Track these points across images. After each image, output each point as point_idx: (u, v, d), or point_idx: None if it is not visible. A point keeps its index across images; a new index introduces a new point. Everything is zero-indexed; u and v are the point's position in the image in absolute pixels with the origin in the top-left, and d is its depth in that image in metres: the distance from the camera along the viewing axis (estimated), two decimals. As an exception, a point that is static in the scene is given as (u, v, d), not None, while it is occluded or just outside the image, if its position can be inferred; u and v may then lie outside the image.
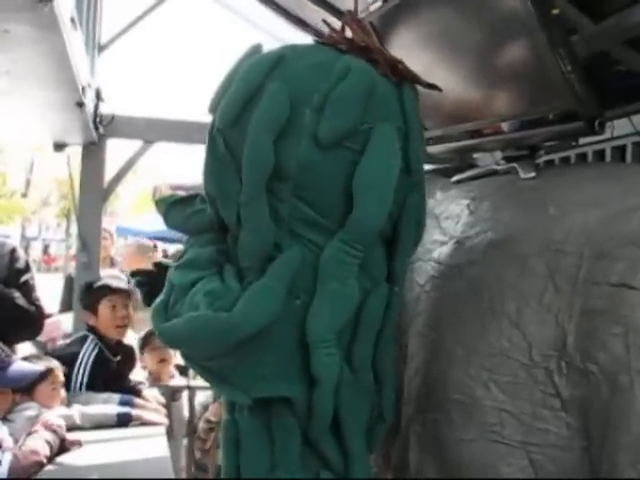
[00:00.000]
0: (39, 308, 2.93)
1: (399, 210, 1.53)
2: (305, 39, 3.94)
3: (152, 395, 3.15)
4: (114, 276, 3.92)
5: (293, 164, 1.41)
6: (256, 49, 1.55)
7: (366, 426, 1.58)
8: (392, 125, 1.48)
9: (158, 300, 1.55)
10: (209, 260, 1.53)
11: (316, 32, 3.81)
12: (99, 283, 3.32)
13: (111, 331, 3.15)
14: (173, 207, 1.69)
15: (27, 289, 2.89)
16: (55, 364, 2.76)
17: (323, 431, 1.51)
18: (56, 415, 2.48)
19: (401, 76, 1.56)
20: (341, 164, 1.44)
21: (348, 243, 1.43)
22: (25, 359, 2.86)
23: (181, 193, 1.74)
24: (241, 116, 1.43)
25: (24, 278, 2.91)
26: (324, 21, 1.73)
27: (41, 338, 3.42)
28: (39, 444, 2.25)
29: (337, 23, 1.68)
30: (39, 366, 2.67)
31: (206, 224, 1.59)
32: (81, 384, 2.97)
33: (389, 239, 1.56)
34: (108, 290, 3.22)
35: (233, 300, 1.41)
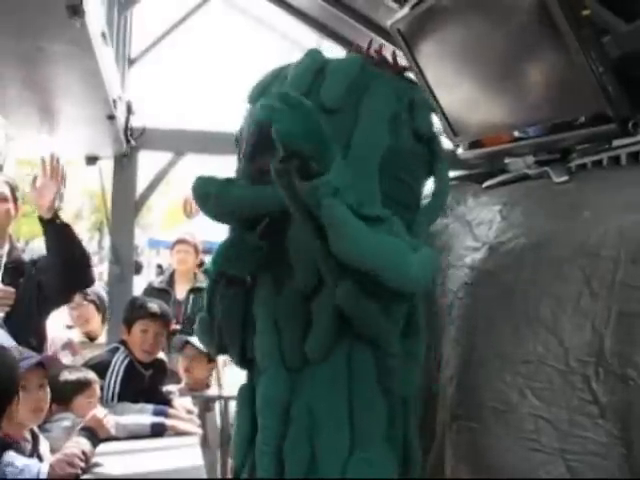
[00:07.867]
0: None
1: None
2: (335, 50, 3.93)
3: (181, 405, 3.13)
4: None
5: (404, 148, 1.68)
6: (316, 51, 1.78)
7: None
8: None
9: (407, 250, 1.45)
10: None
11: (349, 44, 3.81)
12: (140, 302, 3.32)
13: (138, 352, 3.14)
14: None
15: None
16: (92, 377, 2.77)
17: None
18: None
19: None
20: None
21: None
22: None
23: None
24: (345, 104, 1.64)
25: None
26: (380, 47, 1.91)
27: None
28: (75, 454, 2.26)
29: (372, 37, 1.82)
30: (74, 376, 2.70)
31: None
32: (113, 394, 2.97)
33: None
34: (144, 313, 3.19)
35: None
